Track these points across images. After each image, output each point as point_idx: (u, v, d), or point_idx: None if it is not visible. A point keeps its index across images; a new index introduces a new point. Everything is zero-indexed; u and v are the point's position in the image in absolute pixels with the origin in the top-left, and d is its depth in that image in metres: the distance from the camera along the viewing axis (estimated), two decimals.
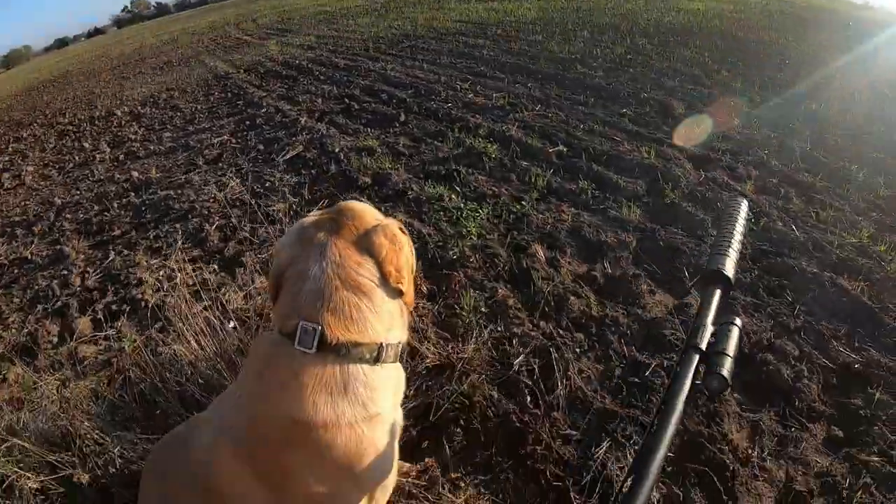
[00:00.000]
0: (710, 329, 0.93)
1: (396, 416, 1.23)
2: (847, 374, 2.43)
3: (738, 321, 0.92)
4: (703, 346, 0.90)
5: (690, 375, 0.86)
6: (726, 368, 0.85)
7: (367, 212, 1.21)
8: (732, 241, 1.06)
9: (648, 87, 6.34)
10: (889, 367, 2.42)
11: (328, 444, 1.06)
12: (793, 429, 2.14)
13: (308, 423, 1.05)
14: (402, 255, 1.18)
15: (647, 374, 2.25)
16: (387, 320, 1.15)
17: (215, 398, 1.42)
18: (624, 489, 0.70)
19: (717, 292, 1.00)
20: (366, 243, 1.14)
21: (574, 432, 1.98)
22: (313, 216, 1.23)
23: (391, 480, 1.25)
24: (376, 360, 1.11)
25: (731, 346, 0.88)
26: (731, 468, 1.92)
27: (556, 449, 1.90)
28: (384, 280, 1.13)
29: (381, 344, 1.12)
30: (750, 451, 2.02)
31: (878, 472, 1.97)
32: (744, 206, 1.14)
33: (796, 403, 2.23)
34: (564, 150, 4.58)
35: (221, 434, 1.16)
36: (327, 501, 1.15)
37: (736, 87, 6.17)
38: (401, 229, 1.22)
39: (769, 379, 2.32)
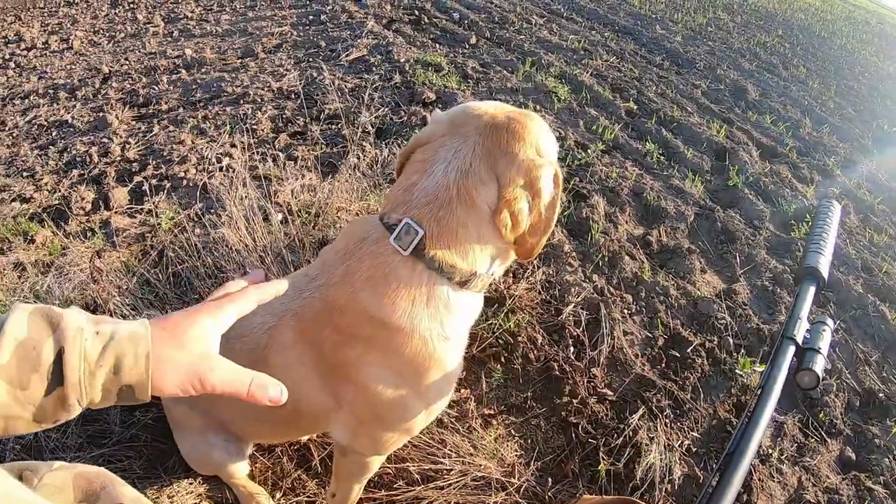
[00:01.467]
0: (805, 323, 0.90)
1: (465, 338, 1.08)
2: (870, 400, 2.26)
3: (829, 322, 0.90)
4: (799, 339, 0.88)
5: (787, 365, 0.84)
6: (819, 365, 0.83)
7: (533, 136, 0.92)
8: (827, 241, 1.03)
9: (725, 64, 5.78)
10: None
11: (396, 348, 0.93)
12: (812, 439, 2.00)
13: (382, 321, 0.91)
14: (533, 205, 0.91)
15: (688, 350, 2.08)
16: (490, 252, 0.95)
17: None
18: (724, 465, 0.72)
19: (812, 288, 0.98)
20: (500, 168, 0.90)
21: (610, 393, 1.83)
22: (486, 105, 0.96)
23: (449, 396, 1.13)
24: (463, 284, 0.93)
25: (825, 345, 0.86)
26: (752, 463, 1.80)
27: (591, 406, 1.76)
28: (494, 216, 0.90)
29: (475, 273, 0.94)
30: (770, 451, 1.89)
31: None
32: (837, 210, 1.11)
33: (820, 416, 2.09)
34: (635, 108, 4.20)
35: (286, 315, 1.01)
36: (385, 409, 1.02)
37: (812, 87, 5.63)
38: (556, 178, 0.93)
39: (800, 385, 2.17)
